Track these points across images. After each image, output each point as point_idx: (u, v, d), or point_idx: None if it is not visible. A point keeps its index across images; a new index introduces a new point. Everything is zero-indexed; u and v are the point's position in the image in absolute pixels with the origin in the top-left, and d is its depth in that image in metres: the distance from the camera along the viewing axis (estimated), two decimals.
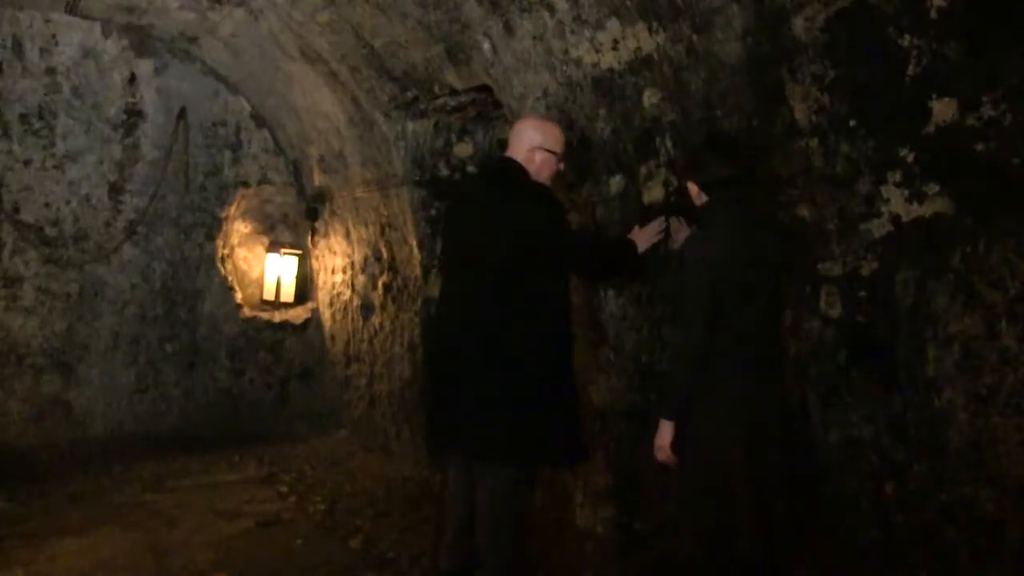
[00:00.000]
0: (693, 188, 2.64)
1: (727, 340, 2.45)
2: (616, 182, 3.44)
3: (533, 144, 2.81)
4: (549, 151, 2.83)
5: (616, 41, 3.11)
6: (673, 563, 2.65)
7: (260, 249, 6.64)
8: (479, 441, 2.72)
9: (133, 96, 5.87)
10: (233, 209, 6.38)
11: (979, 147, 2.09)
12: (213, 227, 6.25)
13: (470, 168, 5.01)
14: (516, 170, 2.79)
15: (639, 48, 3.04)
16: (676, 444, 2.52)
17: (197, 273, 6.18)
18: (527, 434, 2.70)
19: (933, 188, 2.22)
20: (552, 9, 3.24)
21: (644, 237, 3.05)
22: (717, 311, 2.43)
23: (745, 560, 2.47)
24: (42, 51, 5.53)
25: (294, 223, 6.67)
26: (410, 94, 4.60)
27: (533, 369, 2.70)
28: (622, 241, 3.10)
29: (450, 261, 2.95)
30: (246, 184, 6.37)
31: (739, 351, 2.47)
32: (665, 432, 2.54)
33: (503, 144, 4.99)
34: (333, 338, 6.34)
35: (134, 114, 5.87)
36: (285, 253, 6.54)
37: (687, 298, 2.50)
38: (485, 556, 2.78)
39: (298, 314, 6.60)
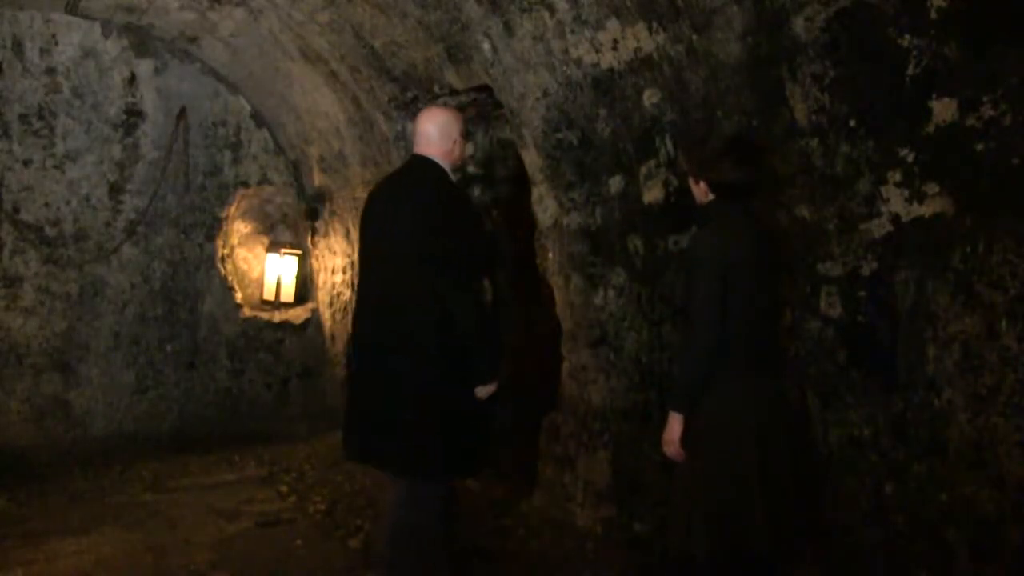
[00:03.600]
0: (702, 187, 2.62)
1: (735, 336, 2.45)
2: (616, 182, 3.44)
3: (453, 136, 2.87)
4: (461, 137, 2.92)
5: (616, 41, 3.11)
6: (677, 561, 2.61)
7: (260, 249, 6.64)
8: (390, 454, 2.77)
9: (133, 96, 5.87)
10: (233, 209, 6.38)
11: (979, 147, 2.09)
12: (213, 227, 6.25)
13: (470, 168, 5.01)
14: (435, 170, 2.85)
15: (639, 48, 3.04)
16: (684, 439, 2.51)
17: (197, 273, 6.19)
18: (433, 447, 2.71)
19: (933, 188, 2.22)
20: (552, 9, 3.24)
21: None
22: (726, 307, 2.43)
23: (758, 555, 2.46)
24: (42, 51, 5.53)
25: (294, 223, 6.67)
26: (410, 94, 4.60)
27: (437, 375, 2.72)
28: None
29: (366, 259, 2.99)
30: (246, 184, 6.37)
31: (746, 347, 2.48)
32: (675, 426, 2.53)
33: (503, 144, 5.03)
34: (333, 338, 6.34)
35: (134, 114, 5.87)
36: (285, 253, 6.54)
37: (698, 294, 2.49)
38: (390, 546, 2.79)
39: (298, 314, 6.60)
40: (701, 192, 2.62)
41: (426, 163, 2.86)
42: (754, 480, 2.44)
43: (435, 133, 2.85)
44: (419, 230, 2.73)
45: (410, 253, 2.74)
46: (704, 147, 2.73)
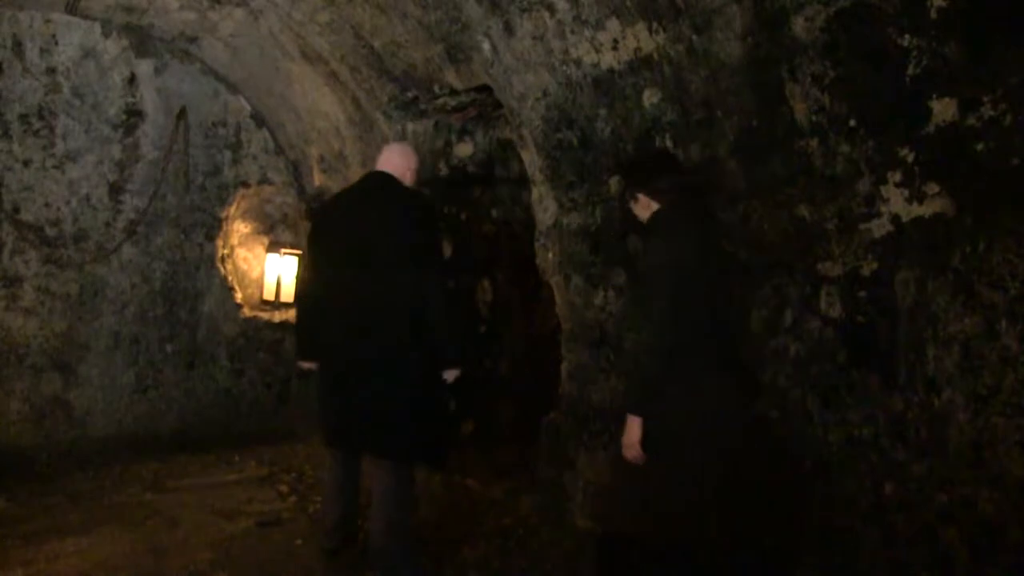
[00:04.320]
0: (642, 201, 2.74)
1: (691, 338, 2.52)
2: (616, 182, 3.44)
3: (412, 167, 3.42)
4: (416, 173, 3.47)
5: (616, 41, 3.11)
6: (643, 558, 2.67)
7: (260, 249, 6.64)
8: (378, 441, 3.12)
9: (133, 96, 5.87)
10: (233, 209, 6.38)
11: (979, 147, 2.09)
12: (213, 227, 6.25)
13: (470, 168, 5.01)
14: (398, 182, 3.33)
15: (639, 48, 3.04)
16: (644, 441, 2.55)
17: (197, 273, 6.18)
18: (418, 432, 3.14)
19: (933, 188, 2.22)
20: (552, 9, 3.24)
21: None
22: (681, 310, 2.50)
23: (714, 554, 2.55)
24: (42, 51, 5.53)
25: (294, 223, 6.66)
26: (410, 94, 4.60)
27: (416, 365, 3.10)
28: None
29: (333, 259, 3.29)
30: (246, 184, 6.37)
31: (703, 348, 2.55)
32: (634, 429, 2.57)
33: (503, 144, 5.03)
34: None
35: (134, 114, 5.87)
36: (285, 253, 6.54)
37: (653, 300, 2.57)
38: (385, 536, 3.13)
39: None
40: (643, 207, 2.74)
41: (389, 176, 3.31)
42: (711, 480, 2.51)
43: (398, 160, 3.37)
44: (401, 231, 3.14)
45: (390, 252, 3.11)
46: (641, 165, 2.90)
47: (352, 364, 3.15)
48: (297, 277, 6.40)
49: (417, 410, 3.10)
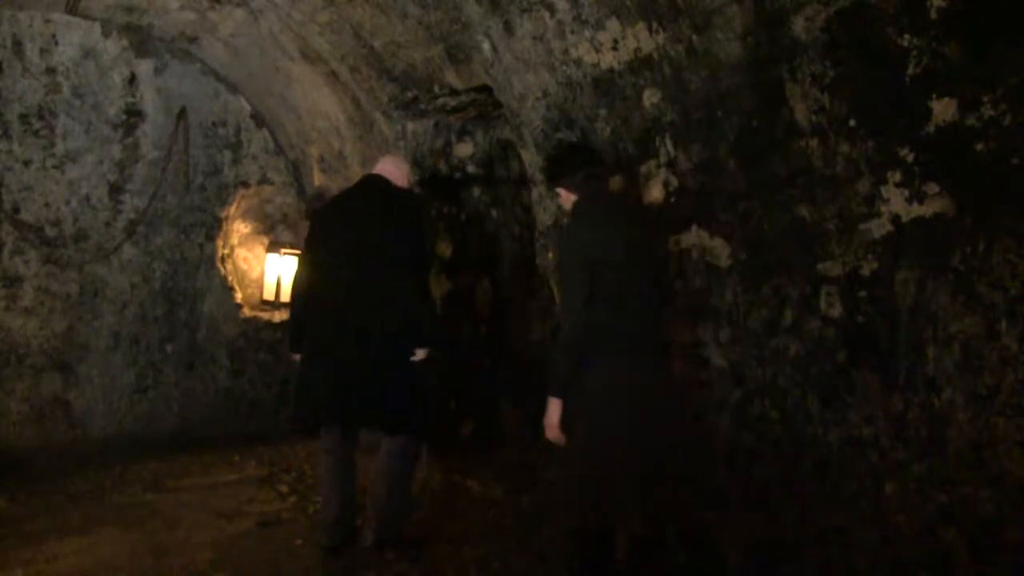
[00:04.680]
0: (563, 193, 2.88)
1: (606, 323, 2.61)
2: (616, 182, 3.44)
3: (408, 177, 3.74)
4: (408, 178, 3.78)
5: (616, 41, 3.11)
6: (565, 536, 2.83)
7: (260, 249, 6.63)
8: (384, 414, 3.43)
9: (133, 96, 5.87)
10: (233, 209, 6.38)
11: (979, 147, 2.09)
12: (213, 227, 6.25)
13: (470, 168, 5.01)
14: (394, 185, 3.63)
15: (639, 48, 3.04)
16: (564, 422, 2.67)
17: (197, 273, 6.18)
18: (415, 408, 3.50)
19: (933, 188, 2.22)
20: (552, 9, 3.24)
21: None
22: (595, 296, 2.60)
23: (631, 533, 2.68)
24: (42, 51, 5.53)
25: (294, 223, 6.66)
26: (410, 94, 4.60)
27: (406, 350, 3.47)
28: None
29: (332, 254, 3.55)
30: (246, 184, 6.37)
31: (618, 333, 2.63)
32: (553, 410, 2.69)
33: (503, 144, 5.03)
34: None
35: (134, 114, 5.87)
36: (285, 253, 6.54)
37: (566, 287, 2.71)
38: (383, 503, 3.46)
39: None
40: (565, 200, 2.90)
41: (387, 181, 3.59)
42: (625, 461, 2.61)
43: (393, 169, 3.65)
44: (393, 228, 3.45)
45: (383, 245, 3.44)
46: (556, 160, 3.03)
47: (349, 349, 3.42)
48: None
49: (410, 386, 3.47)
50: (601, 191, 2.89)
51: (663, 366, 2.82)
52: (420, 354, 3.50)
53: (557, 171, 2.92)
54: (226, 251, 6.39)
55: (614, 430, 2.60)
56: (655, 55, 2.99)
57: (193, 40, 5.76)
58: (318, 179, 6.15)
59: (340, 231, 3.56)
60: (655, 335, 2.78)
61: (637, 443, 2.61)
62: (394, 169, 3.67)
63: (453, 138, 4.98)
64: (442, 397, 4.76)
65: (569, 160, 2.91)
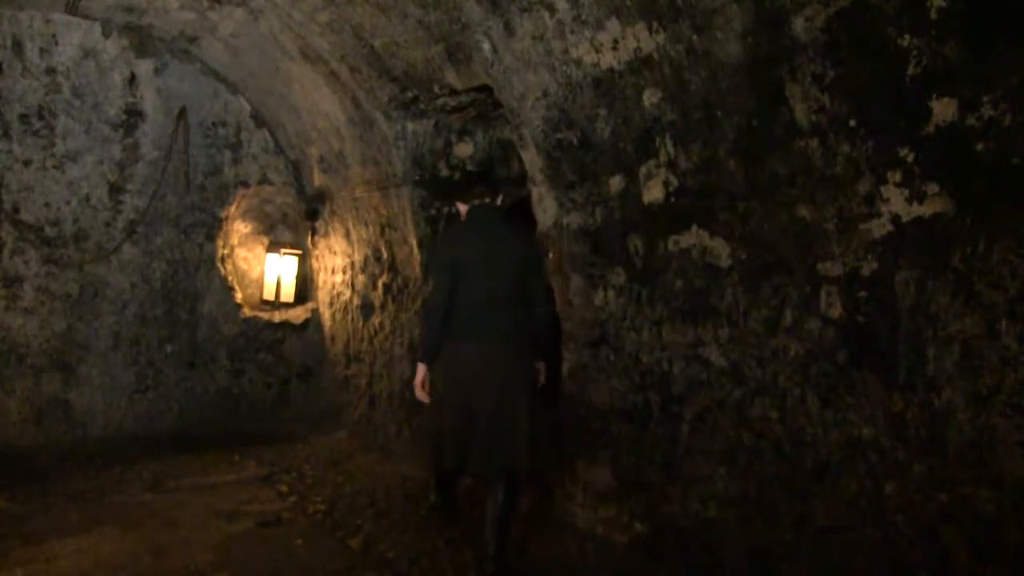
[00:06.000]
0: (461, 207, 3.68)
1: (461, 310, 3.38)
2: (616, 182, 3.44)
3: None
4: None
5: (616, 41, 3.11)
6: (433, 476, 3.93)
7: (260, 249, 6.64)
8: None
9: (133, 96, 5.87)
10: (233, 209, 6.38)
11: (979, 147, 2.09)
12: (213, 227, 6.25)
13: (470, 168, 5.01)
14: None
15: (639, 48, 3.04)
16: (429, 384, 3.49)
17: (197, 273, 6.18)
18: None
19: (933, 188, 2.22)
20: (552, 9, 3.24)
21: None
22: (453, 287, 3.38)
23: (470, 473, 3.55)
24: (42, 51, 5.53)
25: (294, 223, 6.66)
26: (410, 94, 4.60)
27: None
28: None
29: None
30: (246, 184, 6.37)
31: (470, 319, 3.38)
32: (419, 373, 3.50)
33: (503, 144, 5.03)
34: (333, 338, 6.34)
35: (134, 114, 5.87)
36: (285, 253, 6.54)
37: (433, 278, 3.65)
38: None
39: (298, 314, 6.59)
40: (463, 211, 3.67)
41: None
42: (467, 414, 3.34)
43: None
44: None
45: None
46: (457, 184, 4.09)
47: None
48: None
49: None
50: (484, 208, 3.59)
51: (512, 346, 3.40)
52: None
53: (458, 191, 3.80)
54: (226, 251, 6.39)
55: (454, 394, 3.39)
56: (655, 55, 2.99)
57: (193, 40, 5.76)
58: (318, 179, 6.15)
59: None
60: (508, 321, 3.40)
61: (470, 404, 3.34)
62: None
63: (453, 138, 4.98)
64: None
65: (470, 184, 3.76)
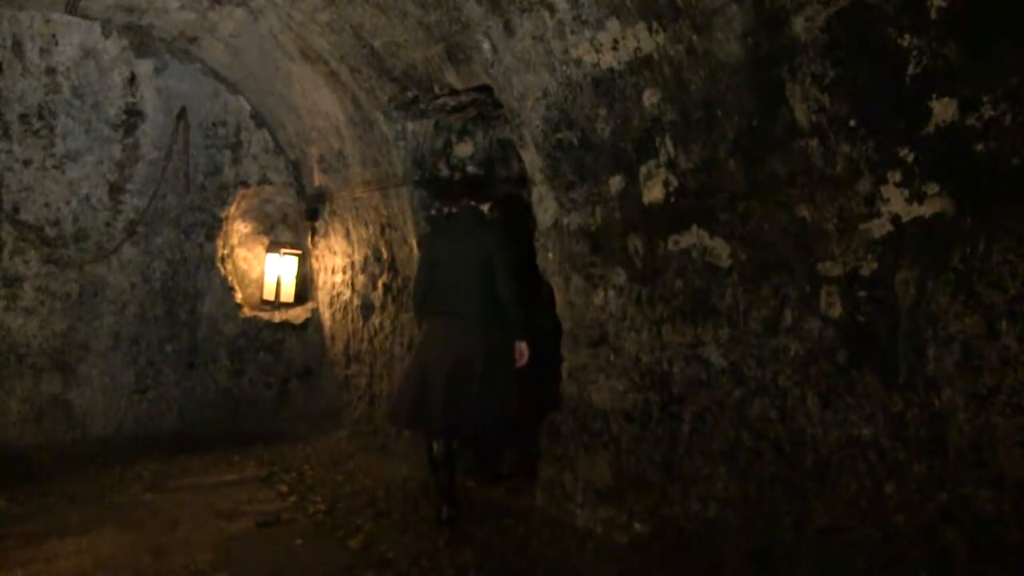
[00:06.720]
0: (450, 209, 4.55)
1: (434, 297, 4.08)
2: (616, 182, 3.44)
3: None
4: None
5: (616, 41, 3.11)
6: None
7: (260, 249, 6.64)
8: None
9: (133, 96, 5.87)
10: (233, 209, 6.38)
11: (979, 147, 2.09)
12: (213, 227, 6.25)
13: (470, 168, 5.01)
14: None
15: (639, 48, 3.04)
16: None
17: (197, 273, 6.18)
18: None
19: (933, 188, 2.22)
20: (552, 9, 3.24)
21: None
22: (429, 275, 4.09)
23: (422, 430, 4.11)
24: (42, 51, 5.53)
25: (294, 223, 6.67)
26: (410, 94, 4.60)
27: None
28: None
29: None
30: (246, 184, 6.37)
31: (441, 304, 4.04)
32: None
33: (503, 144, 5.03)
34: (333, 338, 6.34)
35: (134, 114, 5.87)
36: (285, 253, 6.54)
37: (417, 271, 4.29)
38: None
39: (298, 314, 6.60)
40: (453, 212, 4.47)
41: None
42: (431, 379, 3.93)
43: None
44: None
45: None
46: (442, 184, 4.83)
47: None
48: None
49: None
50: (463, 211, 4.22)
51: (478, 328, 3.96)
52: None
53: (450, 196, 4.67)
54: (226, 251, 6.39)
55: (418, 362, 4.07)
56: (655, 55, 2.99)
57: (193, 40, 5.76)
58: (318, 179, 6.15)
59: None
60: (472, 303, 3.97)
61: (427, 367, 3.96)
62: None
63: (453, 138, 4.98)
64: None
65: (448, 188, 4.65)
